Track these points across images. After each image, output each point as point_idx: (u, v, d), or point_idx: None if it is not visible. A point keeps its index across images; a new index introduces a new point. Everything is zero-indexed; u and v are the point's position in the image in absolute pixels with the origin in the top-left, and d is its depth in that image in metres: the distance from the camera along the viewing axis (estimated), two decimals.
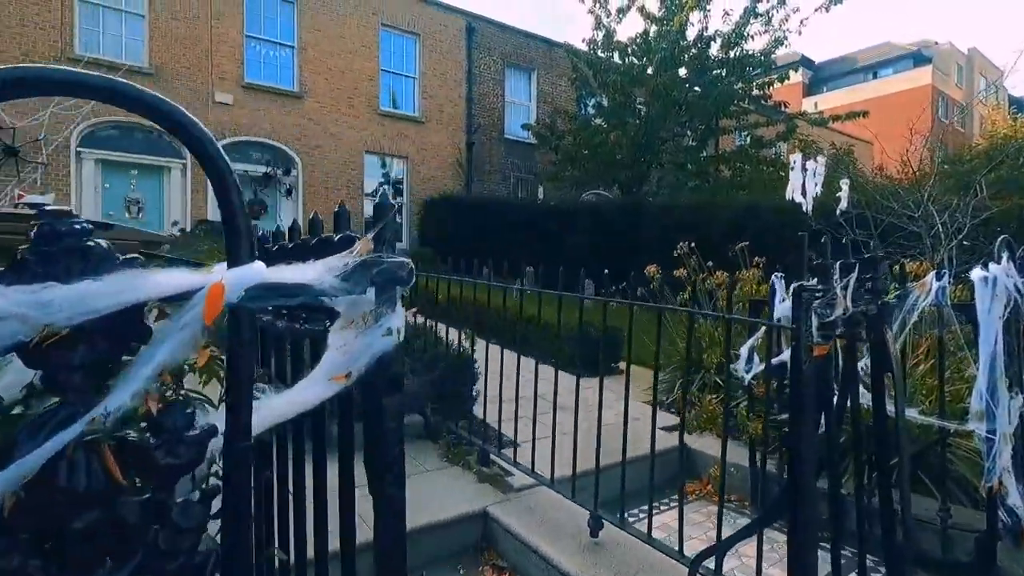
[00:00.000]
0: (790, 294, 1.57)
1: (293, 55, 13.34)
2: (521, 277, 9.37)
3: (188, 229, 10.97)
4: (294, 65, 13.35)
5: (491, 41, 16.65)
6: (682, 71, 12.61)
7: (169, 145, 11.66)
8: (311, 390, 0.83)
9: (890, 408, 1.69)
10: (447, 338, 4.02)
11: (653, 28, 12.64)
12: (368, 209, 14.63)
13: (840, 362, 1.74)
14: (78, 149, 10.76)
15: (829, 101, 27.39)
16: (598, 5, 13.35)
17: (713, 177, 13.72)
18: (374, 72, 14.48)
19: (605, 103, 13.75)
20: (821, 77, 37.17)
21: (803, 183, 4.90)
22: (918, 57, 32.61)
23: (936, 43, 34.09)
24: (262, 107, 12.80)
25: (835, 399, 1.71)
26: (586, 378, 2.90)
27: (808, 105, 26.27)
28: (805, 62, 39.73)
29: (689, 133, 13.65)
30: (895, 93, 30.48)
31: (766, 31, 12.13)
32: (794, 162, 5.21)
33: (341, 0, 13.86)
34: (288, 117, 13.14)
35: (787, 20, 12.05)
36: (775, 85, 12.74)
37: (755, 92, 12.61)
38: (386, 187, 14.29)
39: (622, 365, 5.30)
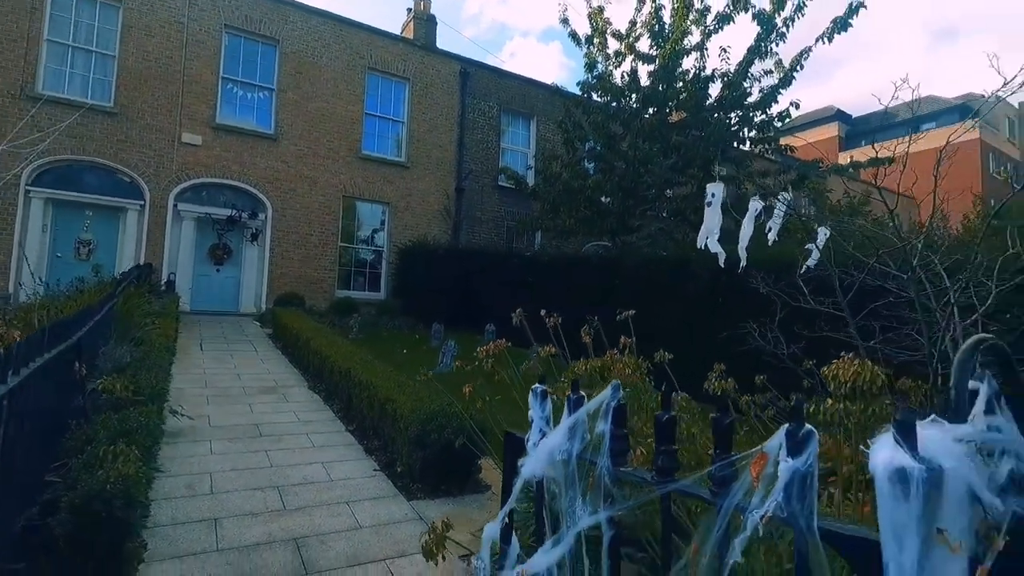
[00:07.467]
0: None
1: (272, 97, 12.94)
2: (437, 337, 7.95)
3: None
4: (272, 107, 12.92)
5: (488, 87, 16.05)
6: (675, 115, 11.47)
7: (130, 185, 11.21)
8: None
9: None
10: None
11: (643, 67, 11.65)
12: (346, 255, 13.76)
13: None
14: (28, 187, 10.32)
15: (868, 155, 25.49)
16: (595, 48, 12.52)
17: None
18: (358, 116, 13.95)
19: (599, 148, 12.67)
20: (858, 131, 35.45)
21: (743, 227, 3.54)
22: (964, 110, 30.63)
23: (984, 96, 32.03)
24: (233, 149, 12.29)
25: None
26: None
27: (844, 160, 24.58)
28: (840, 116, 38.18)
29: (693, 182, 12.33)
30: (938, 148, 28.41)
31: (771, 71, 10.91)
32: (753, 205, 3.81)
33: (327, 45, 13.54)
34: (261, 159, 12.59)
35: (800, 62, 10.74)
36: (779, 127, 11.33)
37: (753, 134, 11.25)
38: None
39: (486, 475, 3.86)
